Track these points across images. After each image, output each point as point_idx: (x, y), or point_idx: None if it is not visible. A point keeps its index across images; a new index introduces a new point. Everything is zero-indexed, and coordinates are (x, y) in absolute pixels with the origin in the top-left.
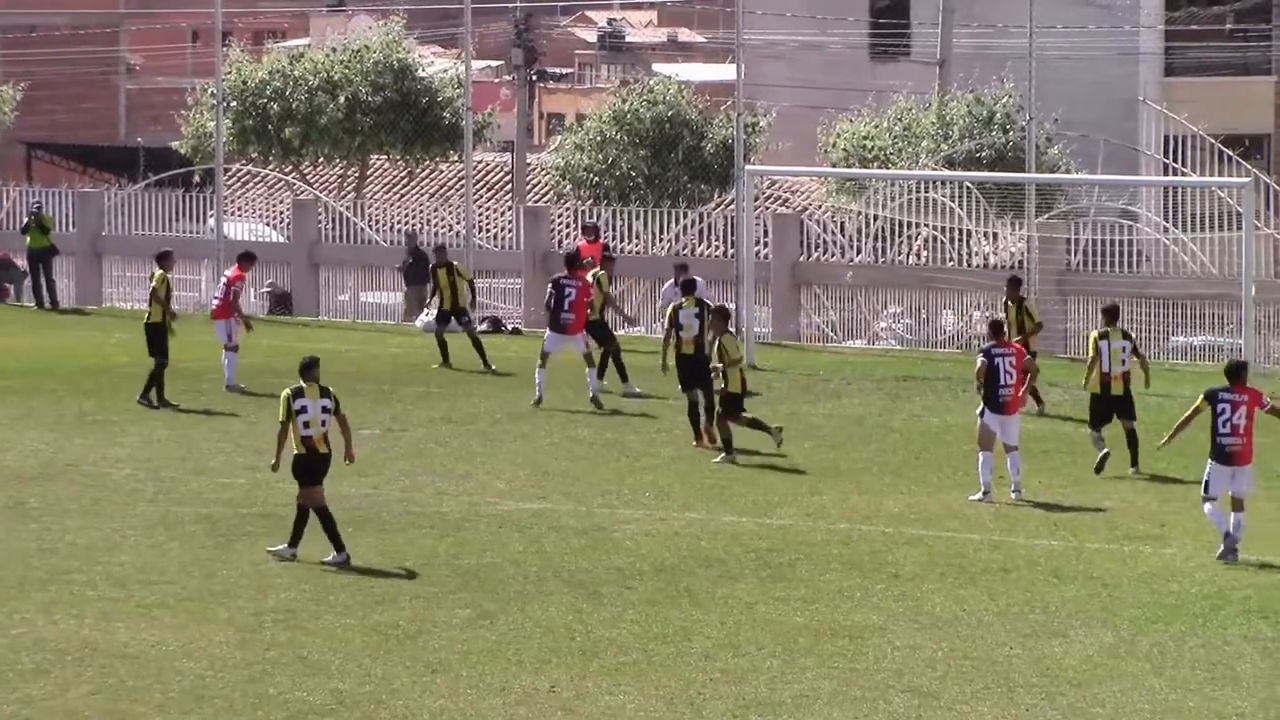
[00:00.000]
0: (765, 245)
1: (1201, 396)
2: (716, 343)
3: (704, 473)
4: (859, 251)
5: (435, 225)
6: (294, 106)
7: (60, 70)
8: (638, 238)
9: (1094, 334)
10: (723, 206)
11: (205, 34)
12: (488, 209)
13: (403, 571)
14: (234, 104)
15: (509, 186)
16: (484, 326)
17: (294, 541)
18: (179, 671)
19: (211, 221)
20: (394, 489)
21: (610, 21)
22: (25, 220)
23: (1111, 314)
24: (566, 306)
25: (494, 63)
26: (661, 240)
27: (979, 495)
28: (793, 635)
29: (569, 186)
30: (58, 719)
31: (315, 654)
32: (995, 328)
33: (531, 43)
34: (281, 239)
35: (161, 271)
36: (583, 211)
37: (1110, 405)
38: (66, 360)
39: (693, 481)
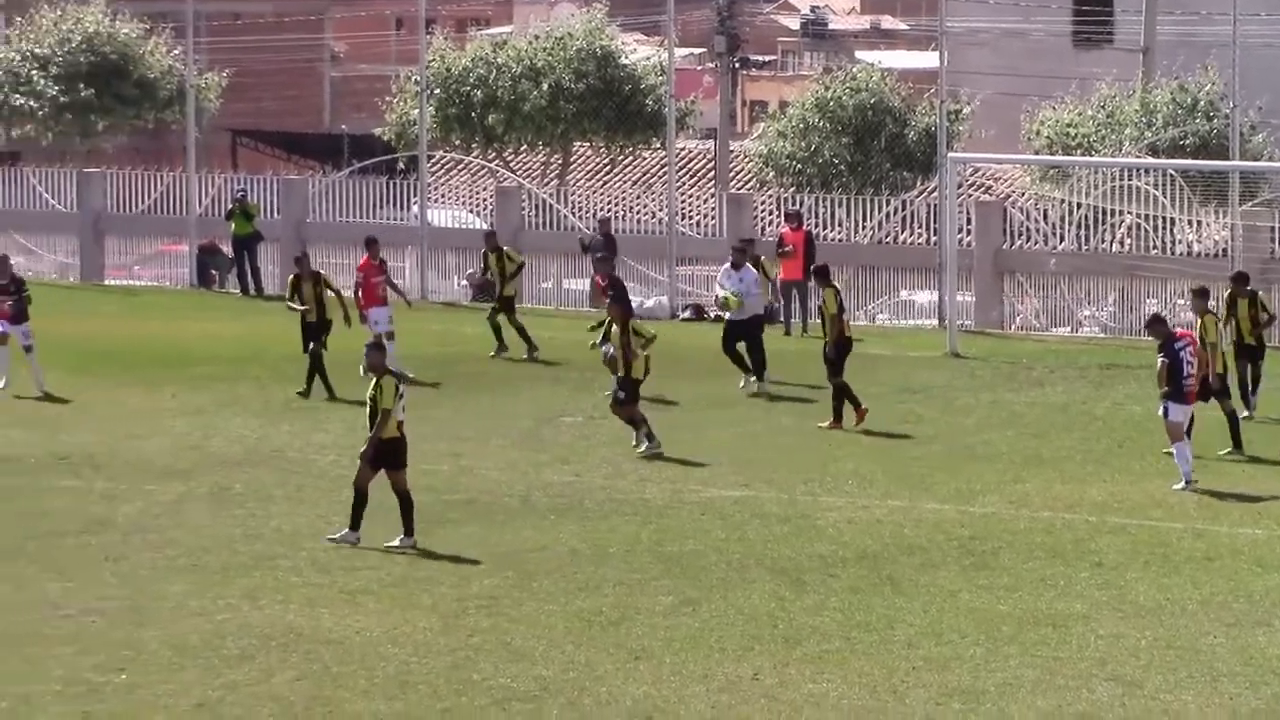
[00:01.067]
0: (968, 233)
1: None
2: (624, 329)
3: (906, 460)
4: (1062, 239)
5: (638, 213)
6: (497, 94)
7: (265, 58)
8: (840, 225)
9: (1212, 319)
10: (925, 194)
11: (409, 22)
12: (690, 196)
13: (606, 557)
14: (437, 91)
15: (711, 174)
16: (687, 314)
17: (355, 525)
18: (383, 657)
19: (415, 208)
20: (597, 476)
21: (813, 9)
22: (230, 207)
23: (1206, 295)
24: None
25: (697, 50)
26: (864, 228)
27: (1182, 484)
28: (996, 623)
29: (771, 174)
30: (263, 704)
31: (519, 640)
32: (1158, 321)
33: (734, 30)
34: (485, 226)
35: (292, 276)
36: (785, 199)
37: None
38: (271, 347)
39: (895, 469)
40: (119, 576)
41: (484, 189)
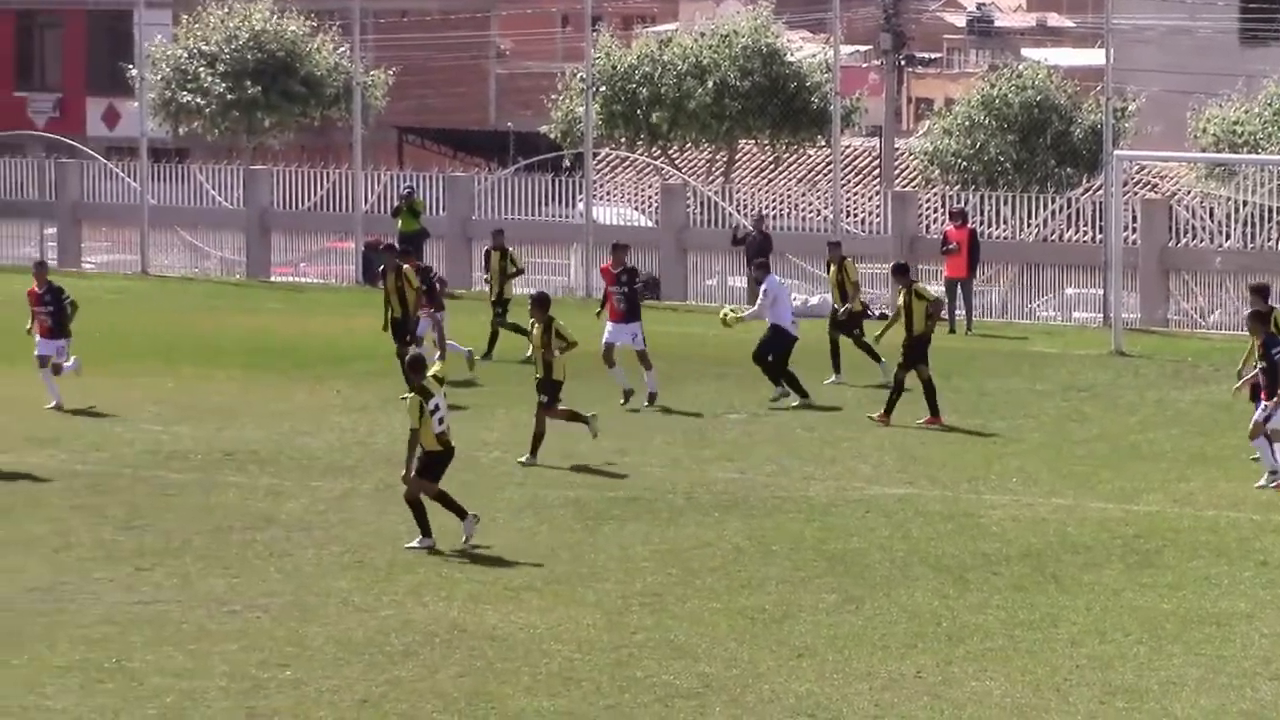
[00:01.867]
0: (1133, 230)
1: None
2: (547, 330)
3: (1071, 458)
4: (1228, 237)
5: (803, 210)
6: (662, 91)
7: (431, 55)
8: (1005, 223)
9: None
10: (1091, 191)
11: (575, 19)
12: (855, 194)
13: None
14: (603, 89)
15: (877, 171)
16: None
17: (426, 531)
18: (547, 654)
19: (580, 206)
20: (761, 473)
21: (979, 6)
22: (396, 204)
23: (1267, 292)
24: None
25: (862, 47)
26: (1029, 225)
27: None
28: (1159, 622)
29: (937, 171)
30: (426, 700)
31: (682, 637)
32: (1261, 319)
33: (900, 27)
34: (649, 223)
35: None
36: (950, 196)
37: None
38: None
39: (1059, 467)
40: (284, 572)
41: (649, 186)
